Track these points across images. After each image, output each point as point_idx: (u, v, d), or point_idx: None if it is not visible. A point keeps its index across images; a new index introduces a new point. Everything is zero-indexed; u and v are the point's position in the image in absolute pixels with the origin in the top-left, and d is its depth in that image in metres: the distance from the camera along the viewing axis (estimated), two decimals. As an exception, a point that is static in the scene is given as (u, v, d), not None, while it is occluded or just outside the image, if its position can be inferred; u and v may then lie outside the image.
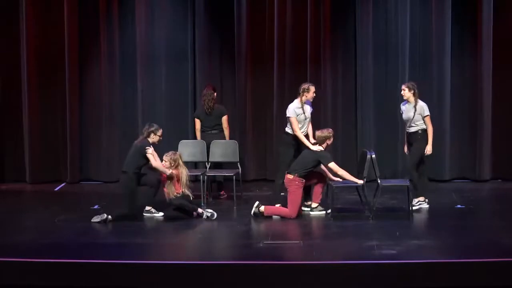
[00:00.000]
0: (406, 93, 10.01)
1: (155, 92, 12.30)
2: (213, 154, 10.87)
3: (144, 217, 9.70)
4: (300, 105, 10.01)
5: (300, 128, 9.95)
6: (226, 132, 11.06)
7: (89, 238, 8.69)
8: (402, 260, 7.65)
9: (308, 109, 10.09)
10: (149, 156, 9.56)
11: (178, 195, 9.55)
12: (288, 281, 7.47)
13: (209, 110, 10.99)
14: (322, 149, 9.55)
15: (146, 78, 12.24)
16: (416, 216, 9.75)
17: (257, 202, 9.65)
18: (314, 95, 10.17)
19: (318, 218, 9.60)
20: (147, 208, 9.77)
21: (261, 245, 8.39)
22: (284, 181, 9.61)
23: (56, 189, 11.98)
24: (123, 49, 12.30)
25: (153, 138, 9.72)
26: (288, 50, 12.13)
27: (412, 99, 9.99)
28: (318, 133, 9.67)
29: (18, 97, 12.31)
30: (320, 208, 9.74)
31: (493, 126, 12.03)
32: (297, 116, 9.97)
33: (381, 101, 12.13)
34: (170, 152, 9.79)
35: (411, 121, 9.97)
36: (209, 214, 9.59)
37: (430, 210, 10.03)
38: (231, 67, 12.31)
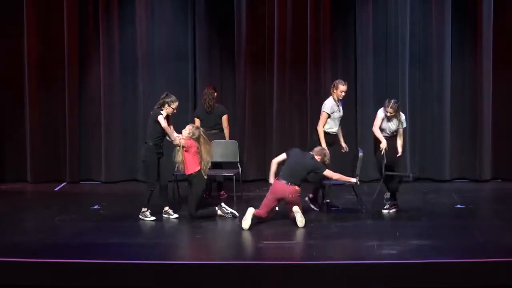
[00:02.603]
0: (395, 113, 9.90)
1: (155, 92, 12.27)
2: (213, 154, 10.85)
3: (163, 218, 9.66)
4: (336, 102, 10.06)
5: (333, 127, 10.10)
6: (226, 132, 11.05)
7: (89, 238, 8.68)
8: (402, 260, 7.66)
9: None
10: (159, 119, 9.48)
11: (193, 173, 9.51)
12: (288, 281, 7.47)
13: (210, 109, 10.99)
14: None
15: (146, 78, 12.24)
16: (416, 216, 9.76)
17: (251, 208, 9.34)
18: (343, 93, 10.10)
19: (318, 218, 9.56)
20: (165, 208, 9.74)
21: (261, 245, 8.40)
22: (289, 191, 9.31)
23: (56, 189, 11.97)
24: (123, 49, 12.30)
25: (167, 109, 9.60)
26: (288, 50, 12.13)
27: (397, 115, 9.96)
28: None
29: (19, 97, 12.31)
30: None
31: (493, 126, 12.03)
32: (333, 113, 10.04)
33: (381, 101, 12.07)
34: (195, 126, 9.76)
35: (393, 131, 10.03)
36: (230, 215, 9.60)
37: (430, 210, 10.04)
38: (231, 67, 12.31)
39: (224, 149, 10.92)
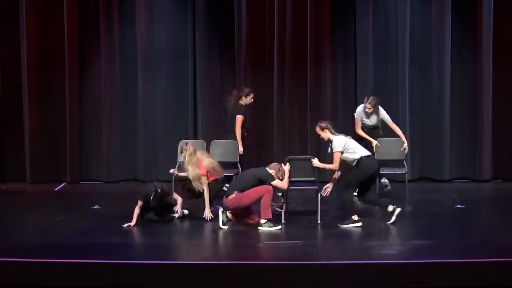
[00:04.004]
0: (373, 108, 10.71)
1: (155, 92, 12.31)
2: (213, 154, 10.83)
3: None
4: None
5: None
6: (236, 133, 10.86)
7: (89, 238, 8.68)
8: (402, 260, 7.66)
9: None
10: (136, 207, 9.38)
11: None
12: (288, 281, 7.47)
13: (230, 110, 10.92)
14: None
15: (146, 78, 12.23)
16: (416, 216, 9.77)
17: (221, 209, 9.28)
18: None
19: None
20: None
21: (261, 245, 8.39)
22: (228, 204, 9.20)
23: (56, 189, 11.97)
24: (123, 49, 12.30)
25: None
26: (288, 50, 12.13)
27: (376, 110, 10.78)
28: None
29: (19, 97, 12.30)
30: (269, 224, 9.05)
31: (493, 126, 12.03)
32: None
33: (381, 101, 12.10)
34: (187, 152, 9.64)
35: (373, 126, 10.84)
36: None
37: (430, 210, 10.04)
38: (231, 67, 12.30)
39: (224, 149, 10.91)
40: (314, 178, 9.41)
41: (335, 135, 9.40)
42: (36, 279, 7.56)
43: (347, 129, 12.16)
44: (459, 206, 10.27)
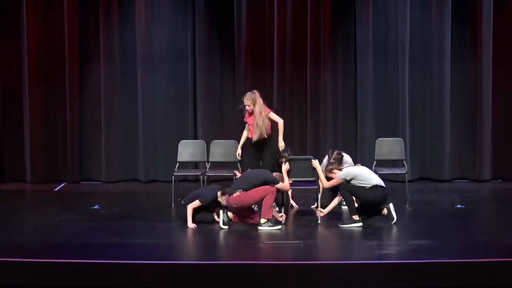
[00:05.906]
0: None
1: (155, 92, 12.31)
2: (213, 154, 10.87)
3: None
4: None
5: None
6: None
7: (89, 238, 8.68)
8: (402, 260, 7.66)
9: None
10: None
11: None
12: (288, 281, 7.47)
13: None
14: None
15: (146, 78, 12.24)
16: (416, 216, 9.77)
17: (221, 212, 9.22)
18: None
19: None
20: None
21: (261, 245, 8.40)
22: (230, 202, 9.15)
23: (56, 189, 11.97)
24: (123, 49, 12.30)
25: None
26: (288, 50, 12.14)
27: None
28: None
29: (19, 97, 12.30)
30: (269, 224, 9.03)
31: (493, 126, 12.04)
32: None
33: (381, 101, 12.13)
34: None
35: None
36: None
37: (430, 210, 10.04)
38: (231, 67, 12.31)
39: (224, 149, 10.91)
40: (314, 178, 9.41)
41: (346, 166, 9.39)
42: (36, 279, 7.56)
43: (346, 128, 12.25)
44: (459, 206, 10.27)
